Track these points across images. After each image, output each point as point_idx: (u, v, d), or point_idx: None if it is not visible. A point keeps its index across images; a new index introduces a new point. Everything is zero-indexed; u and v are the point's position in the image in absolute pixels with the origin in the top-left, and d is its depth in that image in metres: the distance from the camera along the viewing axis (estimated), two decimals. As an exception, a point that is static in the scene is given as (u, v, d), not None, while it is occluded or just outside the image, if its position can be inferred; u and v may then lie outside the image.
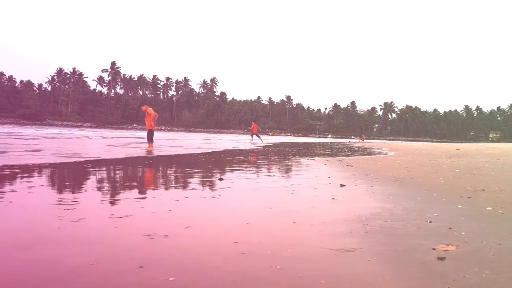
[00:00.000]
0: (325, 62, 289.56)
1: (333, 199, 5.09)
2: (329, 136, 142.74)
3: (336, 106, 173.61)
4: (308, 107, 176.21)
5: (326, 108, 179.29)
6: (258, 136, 34.22)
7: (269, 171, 9.15)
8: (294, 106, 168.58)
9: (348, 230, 3.47)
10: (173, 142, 25.68)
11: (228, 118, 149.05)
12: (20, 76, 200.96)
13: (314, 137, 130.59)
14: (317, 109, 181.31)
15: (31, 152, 10.89)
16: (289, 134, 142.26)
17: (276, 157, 14.24)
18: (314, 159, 13.32)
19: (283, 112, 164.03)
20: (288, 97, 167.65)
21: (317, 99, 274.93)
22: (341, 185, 6.42)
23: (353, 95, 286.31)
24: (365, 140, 74.73)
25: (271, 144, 30.15)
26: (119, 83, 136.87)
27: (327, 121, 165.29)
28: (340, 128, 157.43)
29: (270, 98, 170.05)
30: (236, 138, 48.23)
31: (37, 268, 2.40)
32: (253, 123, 35.85)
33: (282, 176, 8.00)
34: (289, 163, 11.57)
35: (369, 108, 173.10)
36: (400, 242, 3.14)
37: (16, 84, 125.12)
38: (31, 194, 4.73)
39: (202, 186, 6.08)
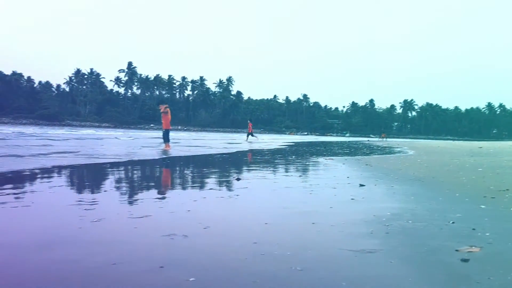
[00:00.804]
0: (343, 59, 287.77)
1: (352, 199, 5.07)
2: (347, 135, 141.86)
3: (354, 104, 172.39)
4: (326, 105, 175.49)
5: (344, 107, 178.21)
6: (251, 135, 33.61)
7: (286, 171, 9.15)
8: (311, 104, 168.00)
9: (368, 231, 3.45)
10: (199, 142, 25.85)
11: (244, 118, 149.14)
12: (38, 77, 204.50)
13: (332, 136, 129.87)
14: (335, 108, 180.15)
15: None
16: (306, 133, 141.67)
17: (293, 156, 14.23)
18: (332, 159, 13.26)
19: (300, 110, 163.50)
20: (305, 96, 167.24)
21: (335, 97, 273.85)
22: (361, 185, 6.38)
23: (371, 93, 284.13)
24: (385, 139, 73.77)
25: (289, 144, 30.10)
26: (136, 83, 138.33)
27: (345, 119, 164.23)
28: (358, 126, 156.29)
29: (287, 97, 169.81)
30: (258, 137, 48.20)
31: (59, 268, 2.45)
32: (249, 121, 34.97)
33: (300, 176, 8.00)
34: (307, 163, 11.55)
35: (388, 106, 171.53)
36: (422, 244, 3.11)
37: (35, 85, 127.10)
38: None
39: (220, 186, 6.12)
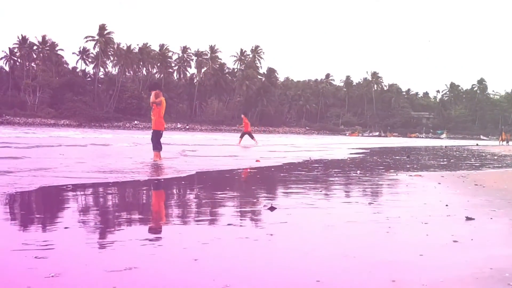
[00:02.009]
0: (433, 24, 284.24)
1: (455, 241, 4.99)
2: (444, 136, 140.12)
3: (453, 87, 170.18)
4: (408, 89, 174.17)
5: (437, 92, 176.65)
6: (249, 137, 32.44)
7: (348, 195, 9.12)
8: (385, 88, 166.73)
9: (483, 295, 3.39)
10: (211, 149, 25.99)
11: (280, 109, 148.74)
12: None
13: (418, 137, 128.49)
14: (423, 93, 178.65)
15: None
16: (377, 133, 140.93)
17: (358, 171, 14.14)
18: (420, 175, 13.12)
19: (368, 97, 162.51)
20: (375, 74, 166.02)
21: (422, 77, 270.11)
22: (468, 218, 6.29)
23: (480, 69, 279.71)
24: (507, 143, 72.39)
25: (353, 153, 29.97)
26: (112, 58, 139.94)
27: (440, 111, 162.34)
28: (460, 122, 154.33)
29: (347, 77, 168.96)
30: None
31: None
32: (243, 116, 34.32)
33: (369, 203, 7.92)
34: (380, 182, 11.49)
35: (509, 91, 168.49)
36: None
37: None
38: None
39: (243, 219, 6.17)
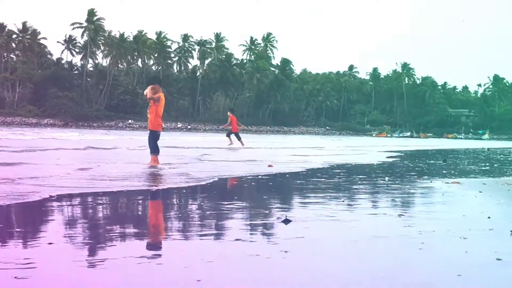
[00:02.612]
0: (472, 7, 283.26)
1: (498, 259, 4.97)
2: (486, 136, 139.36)
3: (497, 80, 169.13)
4: (445, 83, 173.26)
5: (479, 85, 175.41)
6: (236, 136, 32.45)
7: (374, 205, 9.11)
8: (417, 81, 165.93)
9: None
10: (214, 153, 25.99)
11: (295, 106, 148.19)
12: None
13: (456, 138, 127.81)
14: (462, 87, 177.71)
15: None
16: (408, 133, 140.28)
17: (387, 178, 14.11)
18: (458, 182, 13.06)
19: (398, 92, 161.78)
20: (406, 66, 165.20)
21: (460, 69, 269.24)
22: (514, 233, 6.28)
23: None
24: None
25: (383, 155, 29.88)
26: (102, 47, 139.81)
27: (482, 108, 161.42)
28: (506, 121, 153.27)
29: (374, 69, 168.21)
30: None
31: None
32: (229, 114, 33.87)
33: (399, 215, 7.89)
34: (412, 190, 11.46)
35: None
36: None
37: None
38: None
39: (253, 233, 6.17)
